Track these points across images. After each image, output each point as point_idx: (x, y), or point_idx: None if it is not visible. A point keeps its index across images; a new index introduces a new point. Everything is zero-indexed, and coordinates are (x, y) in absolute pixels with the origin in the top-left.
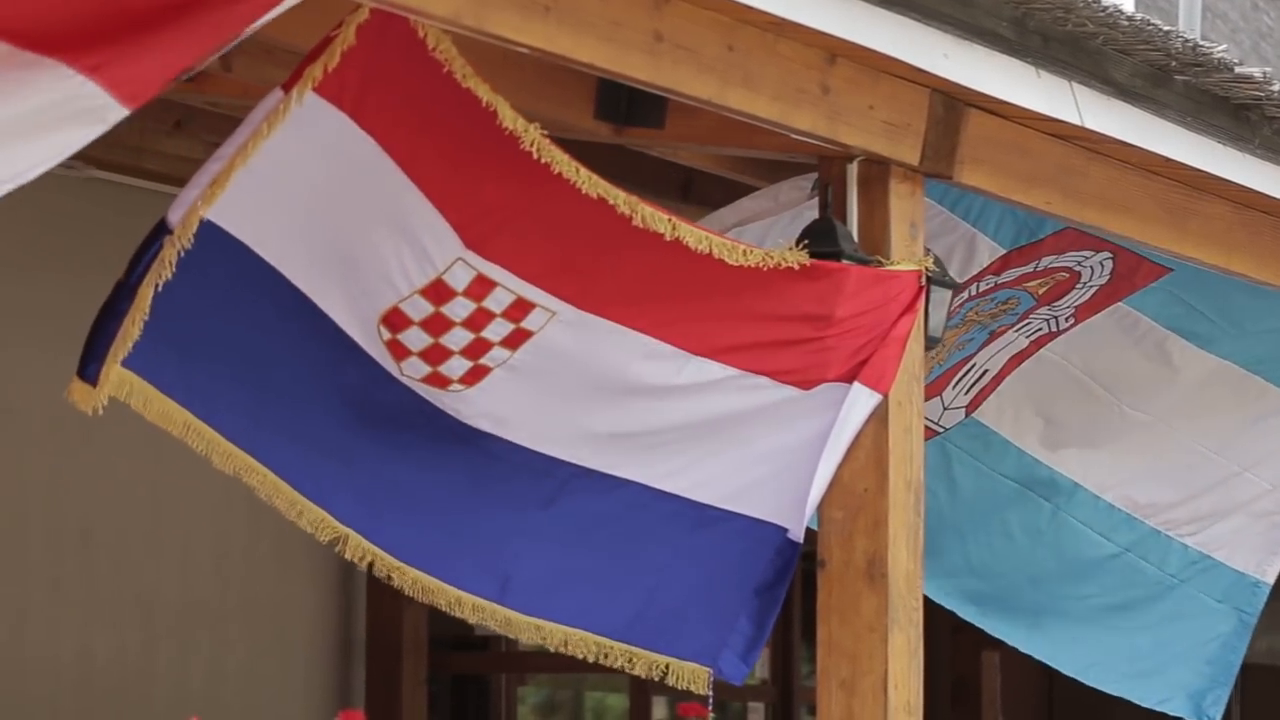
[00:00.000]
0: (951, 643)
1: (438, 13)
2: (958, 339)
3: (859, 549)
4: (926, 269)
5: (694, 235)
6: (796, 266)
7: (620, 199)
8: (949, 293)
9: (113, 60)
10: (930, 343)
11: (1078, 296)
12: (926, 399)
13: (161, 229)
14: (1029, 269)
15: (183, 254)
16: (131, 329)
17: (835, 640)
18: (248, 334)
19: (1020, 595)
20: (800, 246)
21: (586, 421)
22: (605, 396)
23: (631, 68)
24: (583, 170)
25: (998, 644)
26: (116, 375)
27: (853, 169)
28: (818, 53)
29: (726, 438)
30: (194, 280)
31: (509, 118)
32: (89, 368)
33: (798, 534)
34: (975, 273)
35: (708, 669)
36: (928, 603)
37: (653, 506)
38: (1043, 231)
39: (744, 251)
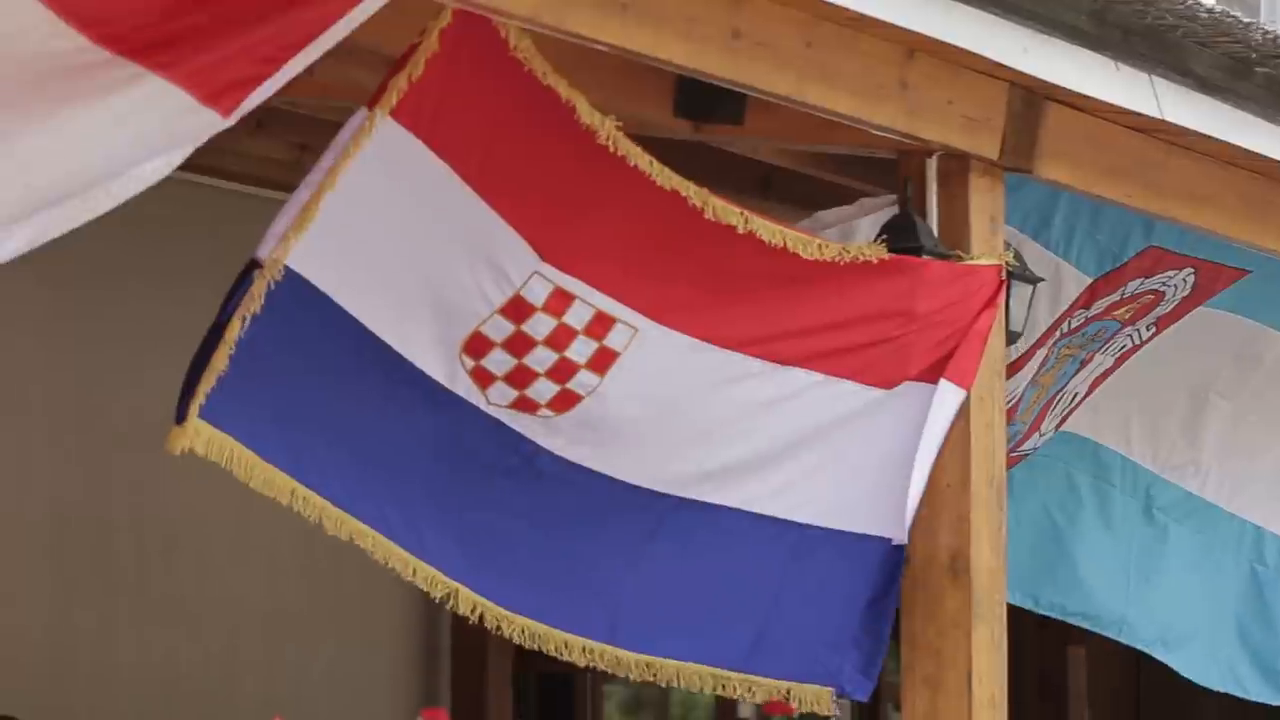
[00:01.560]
0: (1037, 637)
1: (518, 12)
2: (1055, 376)
3: (942, 545)
4: (1007, 263)
5: (767, 229)
6: (875, 261)
7: (692, 191)
8: (1030, 287)
9: (207, 69)
10: (1011, 337)
11: (1160, 310)
12: (1026, 435)
13: (251, 266)
14: (1116, 297)
15: (273, 308)
16: (218, 363)
17: (919, 636)
18: (338, 391)
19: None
20: (880, 242)
21: (680, 451)
22: (695, 422)
23: (709, 64)
24: (656, 164)
25: (1083, 638)
26: (219, 441)
27: (932, 164)
28: (896, 48)
29: (818, 451)
30: (285, 339)
31: (586, 112)
32: (183, 408)
33: (901, 538)
34: (1065, 307)
35: (830, 689)
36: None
37: (754, 532)
38: (1125, 254)
39: (819, 246)
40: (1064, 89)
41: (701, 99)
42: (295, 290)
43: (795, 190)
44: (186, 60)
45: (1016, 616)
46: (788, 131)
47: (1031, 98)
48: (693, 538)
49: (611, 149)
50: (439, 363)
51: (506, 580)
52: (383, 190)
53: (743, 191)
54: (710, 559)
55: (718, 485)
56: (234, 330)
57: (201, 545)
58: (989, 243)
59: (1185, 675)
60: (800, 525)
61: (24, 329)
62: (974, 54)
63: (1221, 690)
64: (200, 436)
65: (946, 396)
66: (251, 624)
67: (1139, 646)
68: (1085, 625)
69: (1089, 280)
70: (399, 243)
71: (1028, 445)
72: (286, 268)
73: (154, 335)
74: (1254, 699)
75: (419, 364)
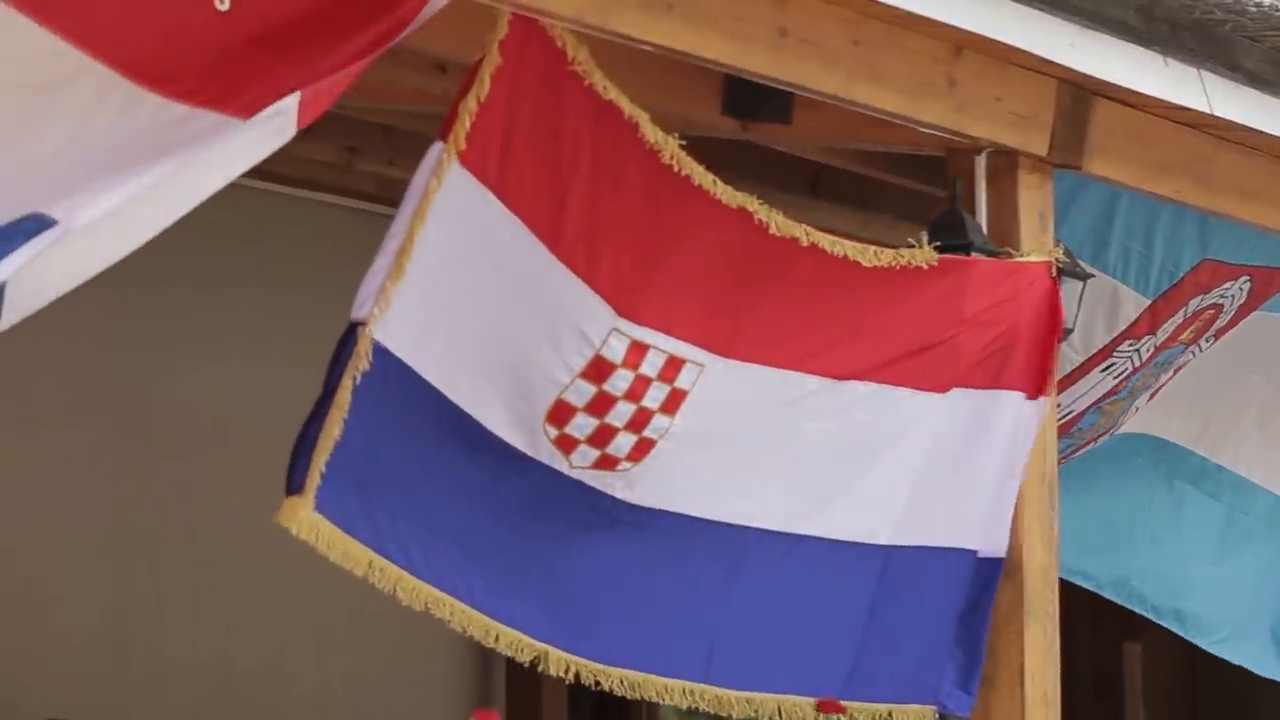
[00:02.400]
0: (1092, 635)
1: (563, 13)
2: (1123, 405)
3: None
4: (1057, 260)
5: (828, 240)
6: (925, 267)
7: (757, 206)
8: (1080, 283)
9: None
10: (1062, 335)
11: (1219, 323)
12: (1080, 447)
13: (353, 327)
14: (1179, 318)
15: (358, 380)
16: (333, 428)
17: None
18: (419, 462)
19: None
20: (929, 240)
21: (750, 480)
22: (762, 449)
23: (756, 63)
24: (720, 183)
25: (1139, 635)
26: (308, 519)
27: (981, 161)
28: (944, 45)
29: (883, 467)
30: (366, 410)
31: (650, 130)
32: (296, 477)
33: (989, 550)
34: (1124, 328)
35: (932, 707)
36: (1066, 594)
37: (837, 559)
38: (1180, 270)
39: (875, 252)
40: (1112, 85)
41: (749, 98)
42: (377, 360)
43: (844, 189)
44: (259, 104)
45: (1071, 614)
46: (836, 130)
47: (1080, 93)
48: (775, 569)
49: (675, 168)
50: (521, 433)
51: (597, 634)
52: (460, 255)
53: (791, 190)
54: (798, 588)
55: (792, 513)
56: (345, 393)
57: (254, 548)
58: (1038, 239)
59: (1242, 665)
60: (882, 547)
61: (77, 333)
62: (1022, 50)
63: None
64: (301, 517)
65: (1025, 409)
66: (304, 626)
67: (1193, 638)
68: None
69: (1148, 301)
70: (477, 310)
71: (1081, 455)
72: (373, 341)
73: (205, 338)
74: None
75: (500, 434)
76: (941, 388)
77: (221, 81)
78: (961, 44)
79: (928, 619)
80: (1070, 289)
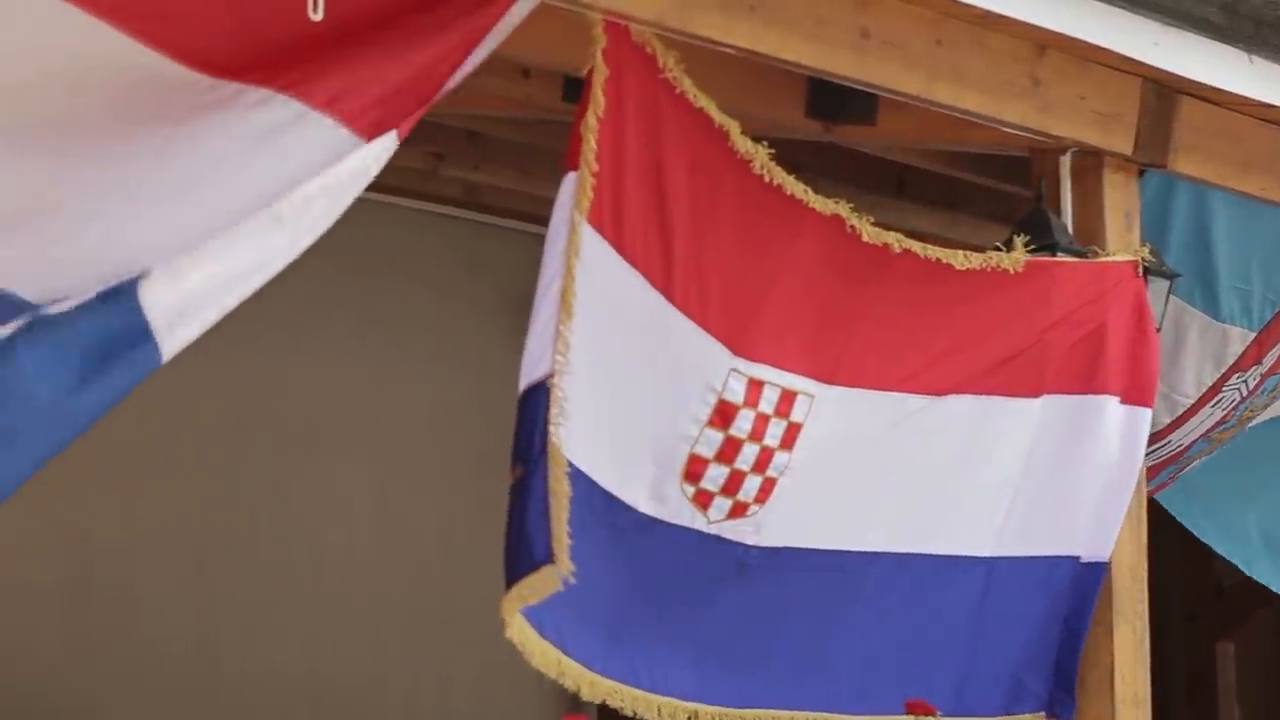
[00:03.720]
0: (1185, 635)
1: (644, 16)
2: (1234, 433)
3: None
4: (1143, 259)
5: (917, 245)
6: (1013, 271)
7: (847, 211)
8: (1167, 282)
9: (371, 105)
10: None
11: None
12: (1181, 470)
13: (538, 386)
14: None
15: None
16: (560, 518)
17: None
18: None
19: None
20: (1015, 240)
21: (861, 505)
22: (871, 473)
23: (838, 65)
24: (810, 191)
25: (1232, 635)
26: (519, 625)
27: (1065, 161)
28: (1026, 44)
29: (984, 478)
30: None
31: (740, 140)
32: (530, 559)
33: (1091, 555)
34: (1231, 363)
35: (1041, 714)
36: (1158, 594)
37: (943, 574)
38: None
39: (965, 255)
40: (1196, 82)
41: (833, 99)
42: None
43: (929, 189)
44: (348, 97)
45: (1163, 614)
46: (920, 131)
47: (1164, 92)
48: (890, 590)
49: (767, 179)
50: (661, 502)
51: (742, 682)
52: (595, 323)
53: (877, 191)
54: (909, 607)
55: (899, 533)
56: (559, 465)
57: (346, 549)
58: (1124, 239)
59: None
60: (985, 559)
61: None
62: (1105, 49)
63: None
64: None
65: (1123, 414)
66: (396, 626)
67: None
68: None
69: (1253, 334)
70: (613, 379)
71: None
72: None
73: (297, 343)
74: None
75: (644, 509)
76: (1033, 392)
77: (314, 81)
78: (1044, 43)
79: (1033, 627)
80: (1157, 288)
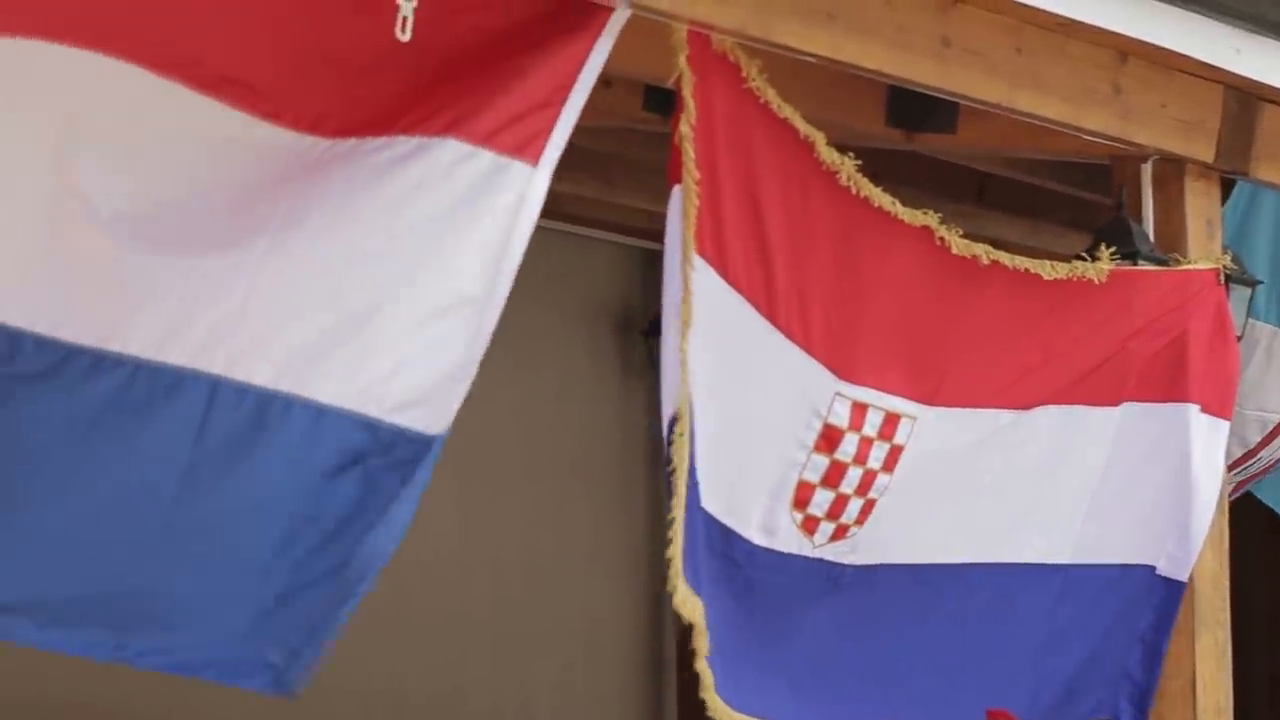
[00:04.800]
0: (1267, 643)
1: (725, 25)
2: None
3: None
4: (1224, 266)
5: (1005, 256)
6: (1097, 282)
7: (935, 222)
8: (1249, 289)
9: (497, 129)
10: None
11: None
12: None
13: (674, 421)
14: None
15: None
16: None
17: None
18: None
19: None
20: (1100, 249)
21: (947, 518)
22: (959, 487)
23: (919, 73)
24: (898, 203)
25: None
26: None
27: (1147, 168)
28: (1108, 52)
29: (1063, 486)
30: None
31: (826, 151)
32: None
33: (1172, 571)
34: None
35: None
36: (1240, 602)
37: (1021, 583)
38: None
39: (1051, 265)
40: (1279, 89)
41: (914, 108)
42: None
43: (1011, 197)
44: (467, 123)
45: (1245, 621)
46: (1001, 139)
47: (1246, 99)
48: (970, 600)
49: (854, 191)
50: (770, 530)
51: (828, 700)
52: (705, 345)
53: (958, 199)
54: (988, 618)
55: (980, 543)
56: (680, 482)
57: (425, 560)
58: (1205, 246)
59: None
60: (1062, 567)
61: None
62: (1186, 56)
63: None
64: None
65: (1203, 424)
66: (478, 639)
67: None
68: None
69: None
70: (721, 403)
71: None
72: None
73: None
74: None
75: (756, 540)
76: (1113, 401)
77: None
78: (1125, 50)
79: (1107, 636)
80: (1238, 296)
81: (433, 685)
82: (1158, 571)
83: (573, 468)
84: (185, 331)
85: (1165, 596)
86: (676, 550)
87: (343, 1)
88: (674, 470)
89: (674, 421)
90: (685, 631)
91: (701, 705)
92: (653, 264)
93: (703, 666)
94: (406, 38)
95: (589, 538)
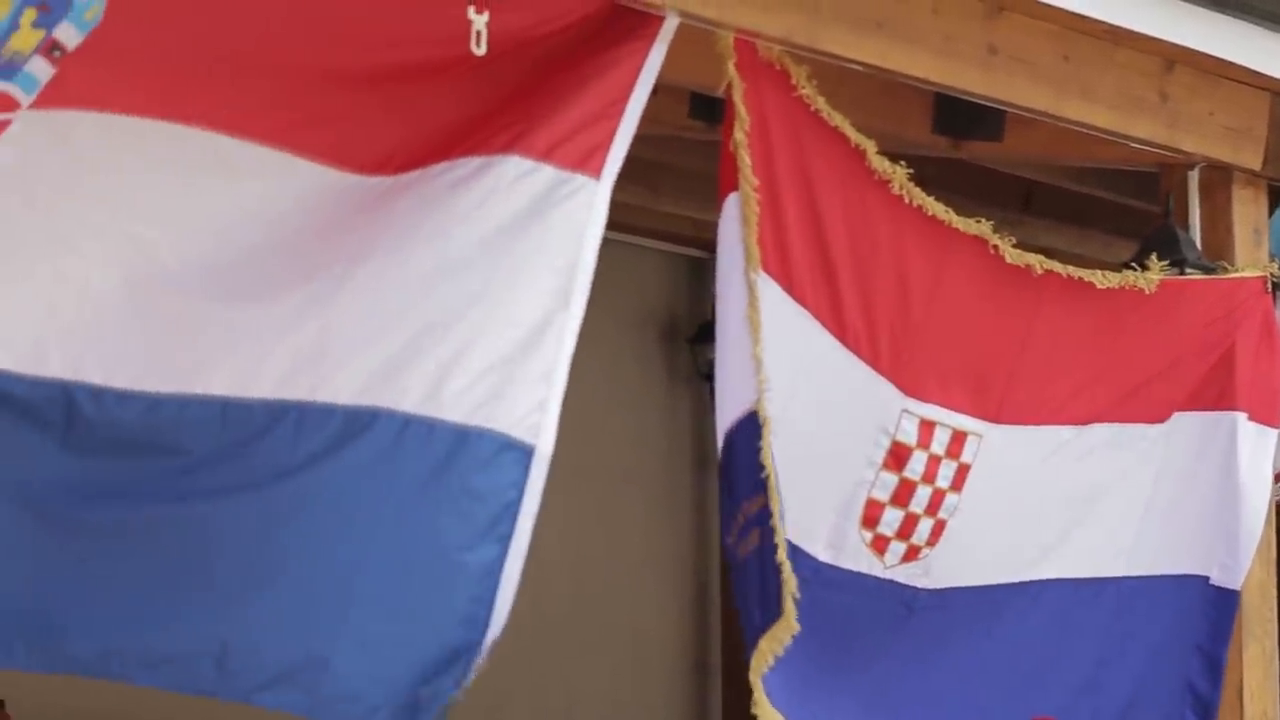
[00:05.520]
0: None
1: (772, 33)
2: None
3: None
4: (1271, 274)
5: (1058, 265)
6: (1147, 291)
7: (988, 231)
8: None
9: (557, 143)
10: None
11: None
12: None
13: (749, 419)
14: None
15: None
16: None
17: None
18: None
19: None
20: (1141, 257)
21: (1011, 540)
22: (1024, 506)
23: (966, 81)
24: (950, 211)
25: None
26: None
27: (1194, 176)
28: (1155, 60)
29: (1117, 499)
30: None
31: (877, 160)
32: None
33: (1221, 579)
34: None
35: None
36: None
37: (1077, 597)
38: None
39: (1103, 275)
40: None
41: (960, 116)
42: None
43: (1057, 205)
44: (527, 139)
45: None
46: (1048, 147)
47: None
48: (1030, 616)
49: (907, 200)
50: (837, 547)
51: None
52: (785, 377)
53: (1004, 207)
54: (1047, 633)
55: (1037, 560)
56: (771, 479)
57: None
58: (1253, 254)
59: None
60: (1117, 579)
61: None
62: (1234, 64)
63: None
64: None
65: (1258, 438)
66: (522, 644)
67: None
68: None
69: None
70: (788, 418)
71: None
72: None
73: None
74: None
75: (823, 558)
76: (1163, 417)
77: (476, 134)
78: (1173, 58)
79: (1165, 649)
80: None
81: (477, 693)
82: (1211, 581)
83: (619, 475)
84: (266, 366)
85: (1220, 606)
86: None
87: (418, 32)
88: (767, 475)
89: (755, 425)
90: (730, 637)
91: (748, 713)
92: (698, 272)
93: (755, 680)
94: (482, 51)
95: (635, 544)
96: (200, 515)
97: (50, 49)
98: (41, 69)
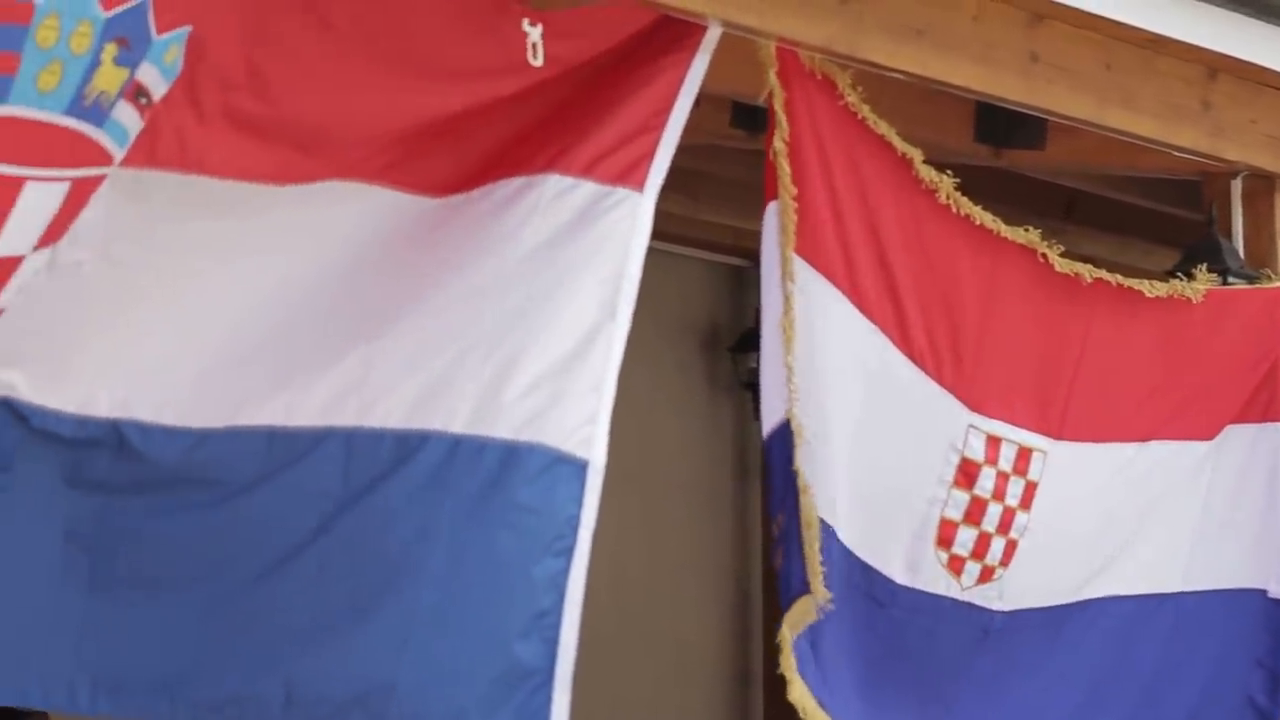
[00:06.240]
0: None
1: (813, 41)
2: None
3: None
4: None
5: (1105, 274)
6: (1194, 301)
7: (1037, 240)
8: None
9: (598, 158)
10: None
11: None
12: None
13: (784, 426)
14: None
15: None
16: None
17: None
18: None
19: None
20: (1184, 266)
21: (1083, 558)
22: (1087, 525)
23: (1006, 89)
24: (999, 220)
25: None
26: (800, 690)
27: (1237, 184)
28: (1197, 68)
29: (1171, 514)
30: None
31: (924, 169)
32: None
33: (1276, 591)
34: None
35: None
36: None
37: (1136, 614)
38: None
39: (1151, 284)
40: None
41: (1002, 124)
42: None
43: (1099, 214)
44: (567, 157)
45: None
46: (1090, 155)
47: None
48: (1087, 636)
49: (954, 209)
50: (914, 569)
51: None
52: (826, 366)
53: (1046, 216)
54: (1103, 653)
55: (1103, 579)
56: (809, 504)
57: None
58: None
59: None
60: (1173, 595)
61: None
62: (1275, 72)
63: None
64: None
65: None
66: None
67: None
68: None
69: None
70: (852, 431)
71: None
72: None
73: None
74: None
75: (899, 579)
76: (1213, 433)
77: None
78: (1215, 66)
79: (1224, 665)
80: None
81: None
82: (1270, 595)
83: (660, 484)
84: (311, 395)
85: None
86: (814, 560)
87: (477, 55)
88: (798, 474)
89: (776, 433)
90: (773, 645)
91: (790, 718)
92: (739, 280)
93: (802, 694)
94: (539, 63)
95: (676, 552)
96: (253, 551)
97: (136, 94)
98: (130, 118)
